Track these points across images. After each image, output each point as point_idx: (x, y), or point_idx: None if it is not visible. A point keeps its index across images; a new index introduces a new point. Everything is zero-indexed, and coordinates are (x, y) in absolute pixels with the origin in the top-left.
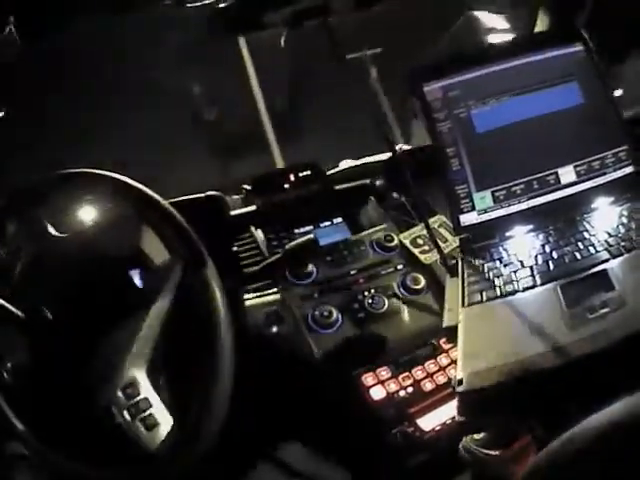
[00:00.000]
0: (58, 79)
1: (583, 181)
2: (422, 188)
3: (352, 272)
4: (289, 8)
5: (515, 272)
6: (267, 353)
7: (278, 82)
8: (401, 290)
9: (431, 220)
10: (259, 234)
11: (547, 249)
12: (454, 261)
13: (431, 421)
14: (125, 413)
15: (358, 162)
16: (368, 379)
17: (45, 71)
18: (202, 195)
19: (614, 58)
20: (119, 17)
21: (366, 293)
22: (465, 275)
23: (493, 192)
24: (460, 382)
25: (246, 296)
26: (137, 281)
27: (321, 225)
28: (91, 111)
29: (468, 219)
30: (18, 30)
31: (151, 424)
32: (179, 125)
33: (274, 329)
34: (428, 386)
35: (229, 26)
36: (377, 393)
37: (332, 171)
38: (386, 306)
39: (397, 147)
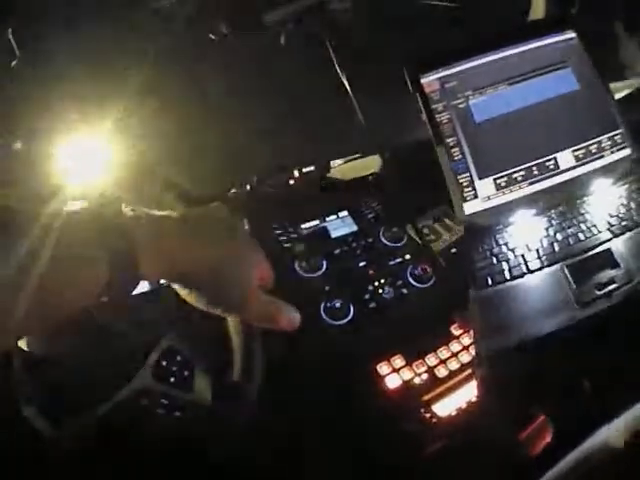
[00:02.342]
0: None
1: (582, 165)
2: (424, 179)
3: (361, 264)
4: (289, 7)
5: (522, 255)
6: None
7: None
8: (410, 279)
9: (435, 210)
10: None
11: (551, 232)
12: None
13: (447, 407)
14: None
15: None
16: (383, 368)
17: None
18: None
19: (606, 43)
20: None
21: (376, 284)
22: (473, 261)
23: (495, 179)
24: (478, 364)
25: None
26: None
27: (327, 219)
28: None
29: (472, 207)
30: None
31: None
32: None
33: None
34: (442, 372)
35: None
36: (393, 381)
37: (336, 165)
38: (396, 296)
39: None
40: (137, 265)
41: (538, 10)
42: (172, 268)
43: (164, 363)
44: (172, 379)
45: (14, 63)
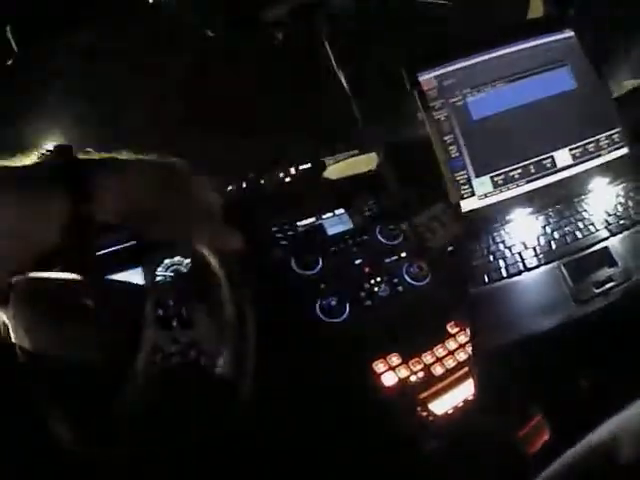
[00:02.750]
0: None
1: (579, 163)
2: (421, 177)
3: (357, 261)
4: (287, 4)
5: (519, 253)
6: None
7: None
8: (406, 277)
9: (432, 208)
10: None
11: (548, 230)
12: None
13: (443, 405)
14: None
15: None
16: (379, 366)
17: None
18: None
19: (604, 42)
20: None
21: (372, 281)
22: (469, 259)
23: (492, 177)
24: (475, 362)
25: None
26: None
27: (324, 217)
28: None
29: (469, 204)
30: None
31: None
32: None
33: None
34: (438, 370)
35: (227, 24)
36: (389, 379)
37: (332, 163)
38: (392, 293)
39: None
40: (95, 203)
41: (536, 9)
42: (129, 206)
43: (160, 313)
44: (174, 323)
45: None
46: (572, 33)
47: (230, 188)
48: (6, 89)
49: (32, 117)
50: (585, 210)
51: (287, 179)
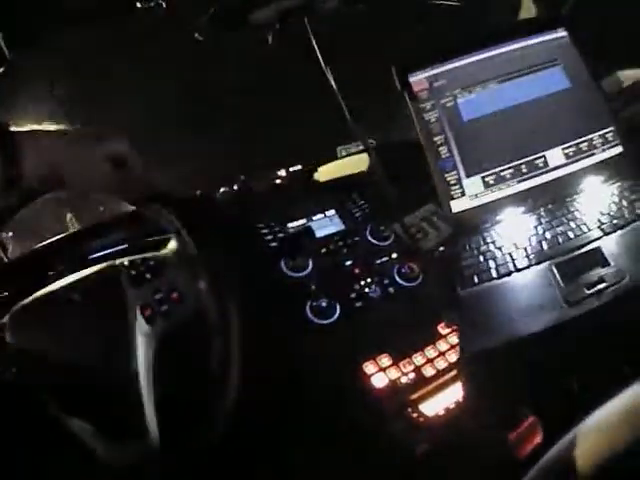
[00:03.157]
0: None
1: (572, 163)
2: (411, 177)
3: (348, 263)
4: (275, 6)
5: (509, 254)
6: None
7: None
8: (397, 278)
9: (422, 209)
10: None
11: (540, 230)
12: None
13: (433, 406)
14: None
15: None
16: (369, 367)
17: None
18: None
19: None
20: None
21: (363, 282)
22: (460, 260)
23: (483, 177)
24: (465, 363)
25: None
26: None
27: (314, 218)
28: None
29: (459, 205)
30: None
31: None
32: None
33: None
34: (429, 371)
35: (217, 25)
36: (379, 381)
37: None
38: (383, 295)
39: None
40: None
41: (528, 9)
42: (51, 172)
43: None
44: (147, 276)
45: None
46: (565, 32)
47: (222, 190)
48: None
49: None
50: (577, 210)
51: (277, 181)
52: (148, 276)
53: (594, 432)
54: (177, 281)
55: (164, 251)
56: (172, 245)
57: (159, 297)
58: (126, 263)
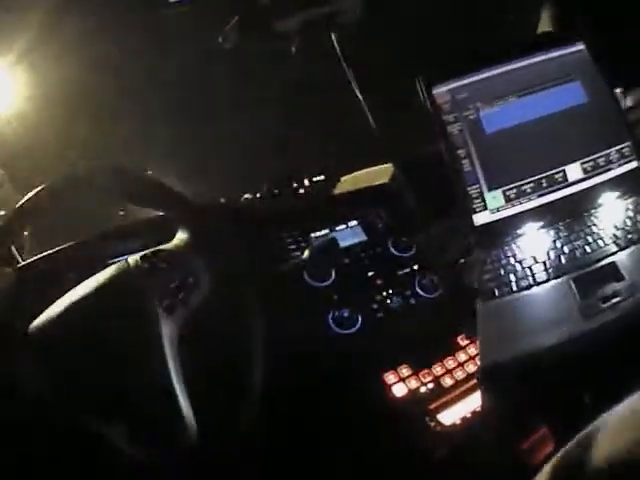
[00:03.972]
0: None
1: (590, 177)
2: (434, 190)
3: (370, 274)
4: (299, 17)
5: (529, 267)
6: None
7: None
8: (418, 290)
9: (444, 221)
10: None
11: (558, 244)
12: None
13: (451, 416)
14: None
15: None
16: (390, 377)
17: None
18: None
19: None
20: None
21: (384, 293)
22: (480, 272)
23: (504, 191)
24: (482, 375)
25: None
26: None
27: (337, 229)
28: None
29: (481, 218)
30: None
31: None
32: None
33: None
34: (448, 381)
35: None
36: (399, 390)
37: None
38: (404, 306)
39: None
40: None
41: (547, 23)
42: None
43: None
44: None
45: None
46: (582, 46)
47: (245, 197)
48: None
49: None
50: (594, 224)
51: (301, 191)
52: (163, 265)
53: (609, 430)
54: (191, 265)
55: (174, 241)
56: (181, 235)
57: (176, 284)
58: (138, 259)
